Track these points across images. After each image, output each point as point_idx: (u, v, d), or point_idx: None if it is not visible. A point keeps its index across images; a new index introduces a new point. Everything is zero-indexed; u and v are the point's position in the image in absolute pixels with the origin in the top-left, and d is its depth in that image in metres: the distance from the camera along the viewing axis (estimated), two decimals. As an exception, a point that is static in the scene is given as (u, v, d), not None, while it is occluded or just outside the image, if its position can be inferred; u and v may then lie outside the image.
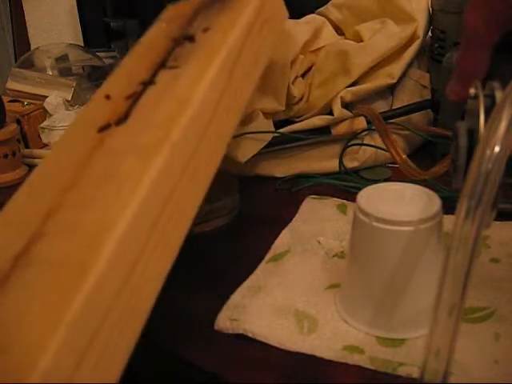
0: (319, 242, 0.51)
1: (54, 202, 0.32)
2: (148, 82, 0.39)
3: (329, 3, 0.73)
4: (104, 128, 0.36)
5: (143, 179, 0.31)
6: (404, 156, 0.53)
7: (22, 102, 0.80)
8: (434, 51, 0.67)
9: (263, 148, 0.62)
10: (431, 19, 0.67)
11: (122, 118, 0.36)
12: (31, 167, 0.73)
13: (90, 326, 0.26)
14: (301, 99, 0.64)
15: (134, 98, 0.38)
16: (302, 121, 0.63)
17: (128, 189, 0.30)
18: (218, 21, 0.42)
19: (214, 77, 0.37)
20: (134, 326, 0.30)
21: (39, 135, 0.78)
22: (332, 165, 0.63)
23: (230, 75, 0.38)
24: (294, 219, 0.55)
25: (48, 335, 0.24)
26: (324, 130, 0.63)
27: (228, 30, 0.39)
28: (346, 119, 0.62)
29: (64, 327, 0.25)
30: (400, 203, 0.39)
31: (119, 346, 0.29)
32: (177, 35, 0.43)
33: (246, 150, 0.60)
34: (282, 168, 0.65)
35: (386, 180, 0.62)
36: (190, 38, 0.41)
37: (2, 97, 0.71)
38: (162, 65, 0.40)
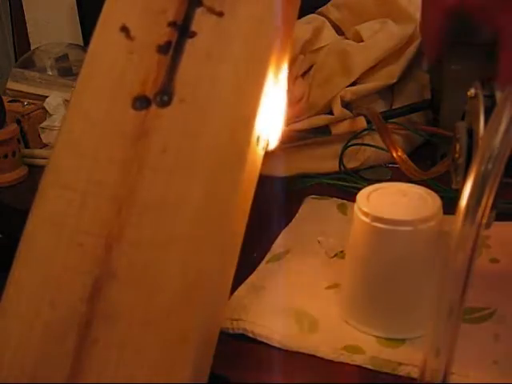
0: (319, 242, 0.51)
1: (111, 224, 0.28)
2: (182, 28, 0.30)
3: (329, 3, 0.73)
4: (139, 100, 0.29)
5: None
6: (404, 156, 0.53)
7: (22, 102, 0.80)
8: (434, 51, 0.67)
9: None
10: (431, 19, 0.67)
11: (164, 94, 0.29)
12: (31, 167, 0.73)
13: None
14: (301, 99, 0.64)
15: (172, 55, 0.30)
16: (301, 121, 0.63)
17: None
18: None
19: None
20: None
21: (39, 135, 0.78)
22: (332, 165, 0.63)
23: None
24: (294, 219, 0.55)
25: None
26: (324, 130, 0.63)
27: None
28: (346, 119, 0.62)
29: None
30: (400, 203, 0.39)
31: None
32: None
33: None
34: (282, 168, 0.65)
35: (386, 180, 0.61)
36: None
37: (2, 97, 0.71)
38: None
